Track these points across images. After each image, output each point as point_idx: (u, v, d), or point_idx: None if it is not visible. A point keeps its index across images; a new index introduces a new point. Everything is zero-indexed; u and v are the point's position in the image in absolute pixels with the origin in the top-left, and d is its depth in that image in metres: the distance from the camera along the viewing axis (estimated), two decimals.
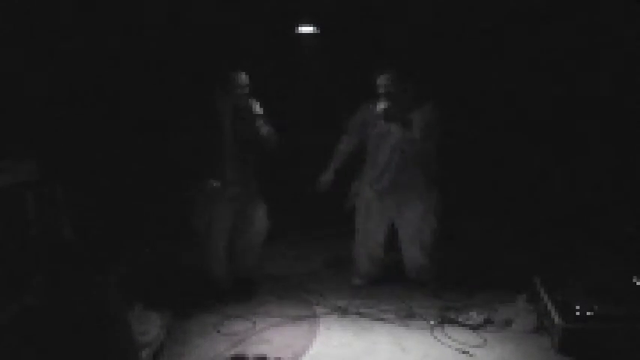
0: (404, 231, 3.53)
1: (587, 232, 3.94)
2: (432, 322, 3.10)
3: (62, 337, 2.10)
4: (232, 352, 2.80)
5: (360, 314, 3.26)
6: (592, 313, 2.70)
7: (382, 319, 3.19)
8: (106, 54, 4.02)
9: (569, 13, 3.96)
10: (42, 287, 2.48)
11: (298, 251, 4.48)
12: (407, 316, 3.21)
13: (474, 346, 2.85)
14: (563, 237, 4.14)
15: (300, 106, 4.58)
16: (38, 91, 3.62)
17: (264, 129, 3.25)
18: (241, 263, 3.54)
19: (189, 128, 3.21)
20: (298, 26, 4.33)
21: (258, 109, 3.25)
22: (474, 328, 3.04)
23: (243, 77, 3.21)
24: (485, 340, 2.91)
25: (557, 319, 2.74)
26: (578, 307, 2.73)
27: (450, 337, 2.95)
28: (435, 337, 2.95)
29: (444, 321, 3.11)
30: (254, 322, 3.15)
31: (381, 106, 3.21)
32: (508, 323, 3.05)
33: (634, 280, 2.99)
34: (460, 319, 3.11)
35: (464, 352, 2.79)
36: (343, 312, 3.30)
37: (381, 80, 3.27)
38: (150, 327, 2.83)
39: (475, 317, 3.10)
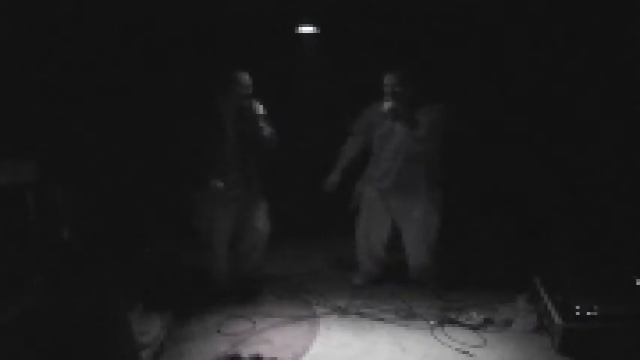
0: (407, 231, 3.53)
1: (587, 232, 3.94)
2: (432, 322, 3.10)
3: (62, 338, 2.10)
4: (228, 352, 2.79)
5: (360, 314, 3.26)
6: (592, 313, 2.70)
7: (382, 319, 3.19)
8: (106, 54, 4.02)
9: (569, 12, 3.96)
10: (42, 287, 2.48)
11: (298, 251, 4.48)
12: (407, 316, 3.21)
13: (474, 346, 2.85)
14: (563, 237, 4.13)
15: (300, 106, 4.58)
16: (38, 91, 3.62)
17: (267, 130, 3.25)
18: (245, 264, 3.54)
19: (190, 128, 3.21)
20: (298, 26, 4.33)
21: (260, 109, 3.25)
22: (474, 328, 3.04)
23: (246, 78, 3.20)
24: (486, 340, 2.91)
25: (557, 319, 2.74)
26: (578, 307, 2.72)
27: (450, 337, 2.95)
28: (435, 337, 2.95)
29: (444, 321, 3.11)
30: (254, 322, 3.15)
31: (387, 105, 3.21)
32: (508, 323, 3.05)
33: (634, 280, 2.99)
34: (460, 319, 3.11)
35: (464, 352, 2.79)
36: (343, 312, 3.30)
37: (388, 80, 3.27)
38: (150, 327, 2.83)
39: (475, 317, 3.10)
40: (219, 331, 3.05)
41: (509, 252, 4.11)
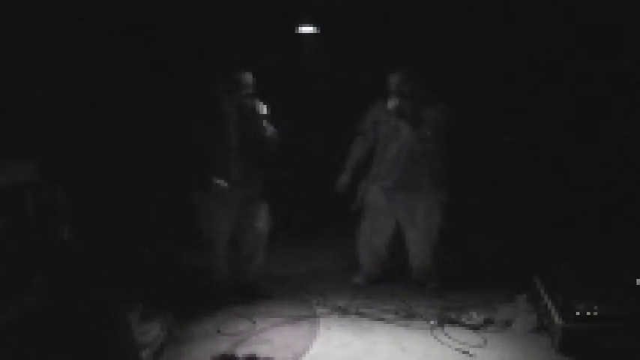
0: (410, 231, 3.52)
1: (587, 232, 3.93)
2: (432, 322, 3.10)
3: (62, 338, 2.10)
4: (226, 352, 2.79)
5: (360, 314, 3.26)
6: (592, 313, 2.70)
7: (382, 319, 3.19)
8: (107, 54, 4.02)
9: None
10: (42, 287, 2.48)
11: (298, 251, 4.48)
12: (407, 316, 3.21)
13: (474, 346, 2.85)
14: (563, 237, 4.13)
15: (300, 106, 4.58)
16: (38, 91, 3.62)
17: (269, 130, 3.25)
18: (247, 265, 3.53)
19: (189, 128, 3.21)
20: (298, 26, 4.33)
21: (262, 109, 3.24)
22: (475, 328, 3.04)
23: (248, 77, 3.20)
24: (486, 341, 2.91)
25: (557, 319, 2.74)
26: (578, 307, 2.73)
27: (450, 337, 2.95)
28: (435, 337, 2.95)
29: (444, 321, 3.11)
30: (254, 322, 3.15)
31: (393, 104, 3.21)
32: (508, 323, 3.05)
33: (634, 280, 2.99)
34: (460, 319, 3.11)
35: (464, 353, 2.79)
36: (343, 312, 3.30)
37: (393, 78, 3.27)
38: (150, 327, 2.83)
39: (475, 317, 3.10)
40: (219, 331, 3.05)
41: (509, 252, 4.11)
